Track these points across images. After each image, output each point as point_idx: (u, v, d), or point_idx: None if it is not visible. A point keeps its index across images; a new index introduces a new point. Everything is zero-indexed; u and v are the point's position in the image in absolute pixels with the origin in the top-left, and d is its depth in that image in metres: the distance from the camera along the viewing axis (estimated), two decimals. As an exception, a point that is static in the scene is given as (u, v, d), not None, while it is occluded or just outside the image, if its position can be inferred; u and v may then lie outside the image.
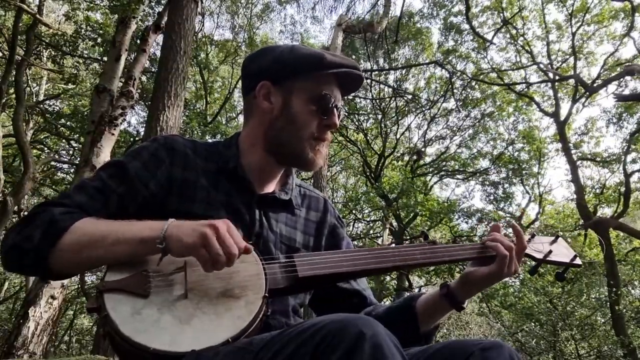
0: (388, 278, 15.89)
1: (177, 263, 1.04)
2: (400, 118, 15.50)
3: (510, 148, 15.65)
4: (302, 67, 1.23)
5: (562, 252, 1.37)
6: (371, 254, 1.18)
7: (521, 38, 14.08)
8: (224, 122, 13.06)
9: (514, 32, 13.98)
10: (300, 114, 1.23)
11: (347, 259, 1.15)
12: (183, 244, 0.98)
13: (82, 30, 10.14)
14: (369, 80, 13.46)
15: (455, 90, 13.76)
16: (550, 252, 1.33)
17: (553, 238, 1.40)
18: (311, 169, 1.28)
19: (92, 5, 9.84)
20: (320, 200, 1.43)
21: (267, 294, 1.03)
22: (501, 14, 13.51)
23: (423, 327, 1.27)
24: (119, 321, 0.94)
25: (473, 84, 14.80)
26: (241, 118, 15.33)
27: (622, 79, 11.89)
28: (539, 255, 1.32)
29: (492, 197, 15.85)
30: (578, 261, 1.34)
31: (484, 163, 16.31)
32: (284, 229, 1.28)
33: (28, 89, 11.24)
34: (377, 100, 15.04)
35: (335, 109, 1.24)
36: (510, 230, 1.32)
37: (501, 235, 1.26)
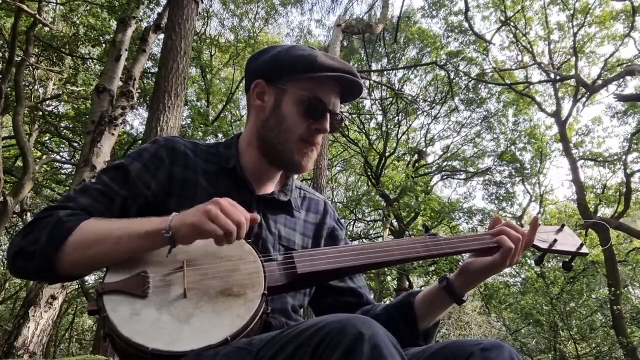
0: (388, 278, 15.87)
1: (175, 263, 1.04)
2: (401, 119, 15.51)
3: (512, 147, 15.67)
4: (295, 68, 1.21)
5: (568, 241, 1.32)
6: (371, 248, 1.17)
7: (523, 38, 14.11)
8: (228, 123, 13.10)
9: (515, 31, 14.00)
10: (289, 115, 1.21)
11: (346, 254, 1.15)
12: (188, 224, 0.99)
13: (82, 31, 10.14)
14: (368, 82, 13.45)
15: (457, 90, 13.75)
16: (555, 241, 1.29)
17: (559, 227, 1.36)
18: (297, 172, 1.27)
19: (90, 6, 9.83)
20: (320, 202, 1.43)
21: (266, 292, 1.03)
22: (503, 13, 13.53)
23: (422, 324, 1.25)
24: (118, 322, 0.94)
25: (477, 84, 14.81)
26: (244, 119, 15.36)
27: (622, 79, 11.91)
28: (544, 245, 1.28)
29: (494, 197, 15.88)
30: (585, 250, 1.31)
31: (487, 161, 16.34)
32: (282, 230, 1.27)
33: (33, 90, 11.24)
34: (379, 101, 15.04)
35: (327, 113, 1.22)
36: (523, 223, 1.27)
37: (508, 225, 1.21)
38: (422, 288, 1.33)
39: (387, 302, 1.36)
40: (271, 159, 1.26)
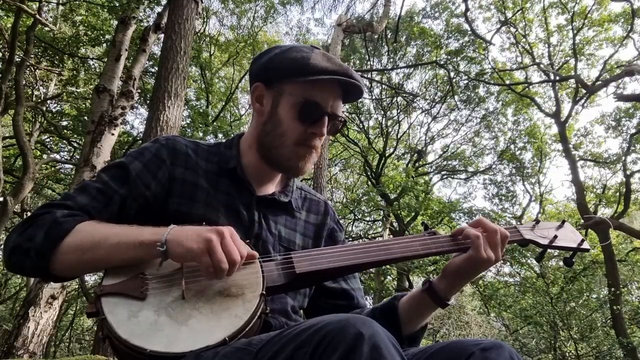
0: (389, 278, 15.86)
1: (174, 265, 1.04)
2: (401, 118, 15.51)
3: (512, 146, 15.68)
4: (289, 71, 1.19)
5: (569, 236, 1.30)
6: (370, 247, 1.16)
7: (523, 40, 14.11)
8: (227, 123, 13.10)
9: (516, 32, 14.00)
10: (285, 118, 1.20)
11: (345, 253, 1.14)
12: (185, 248, 0.97)
13: (82, 31, 10.14)
14: (368, 81, 13.44)
15: (457, 89, 13.75)
16: (556, 237, 1.27)
17: (559, 223, 1.33)
18: (295, 175, 1.26)
19: (91, 6, 9.83)
20: (320, 203, 1.42)
21: (264, 292, 1.02)
22: (503, 14, 13.54)
23: (406, 329, 1.23)
24: (116, 324, 0.94)
25: (476, 83, 14.81)
26: (244, 119, 15.40)
27: (621, 80, 11.91)
28: (544, 241, 1.26)
29: (494, 195, 15.88)
30: (586, 245, 1.28)
31: (487, 159, 16.36)
32: (283, 231, 1.27)
33: (34, 90, 11.24)
34: (379, 100, 15.04)
35: (324, 117, 1.19)
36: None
37: (479, 223, 1.19)
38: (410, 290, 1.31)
39: (373, 306, 1.34)
40: (269, 162, 1.25)
